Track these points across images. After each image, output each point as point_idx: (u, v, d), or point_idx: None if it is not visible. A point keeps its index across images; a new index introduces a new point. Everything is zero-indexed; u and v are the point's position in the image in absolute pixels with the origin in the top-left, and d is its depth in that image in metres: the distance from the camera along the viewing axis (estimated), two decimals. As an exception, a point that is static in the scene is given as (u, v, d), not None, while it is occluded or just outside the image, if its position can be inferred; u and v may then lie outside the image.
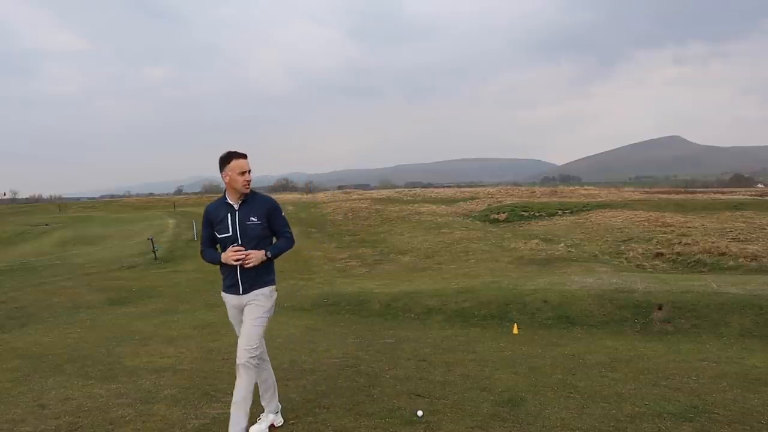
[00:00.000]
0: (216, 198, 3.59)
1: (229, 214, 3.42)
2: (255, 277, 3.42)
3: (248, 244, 3.38)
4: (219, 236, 3.45)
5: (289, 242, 3.58)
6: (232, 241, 3.40)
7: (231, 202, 3.44)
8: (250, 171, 3.40)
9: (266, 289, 3.47)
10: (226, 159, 3.35)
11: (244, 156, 3.38)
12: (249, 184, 3.40)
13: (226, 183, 3.41)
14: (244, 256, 3.33)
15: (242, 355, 3.32)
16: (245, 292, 3.42)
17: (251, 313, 3.41)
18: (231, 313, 3.56)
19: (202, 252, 3.56)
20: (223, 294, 3.54)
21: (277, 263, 3.65)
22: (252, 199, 3.47)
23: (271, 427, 3.60)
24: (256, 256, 3.36)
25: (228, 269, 3.43)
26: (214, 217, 3.48)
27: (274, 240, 3.57)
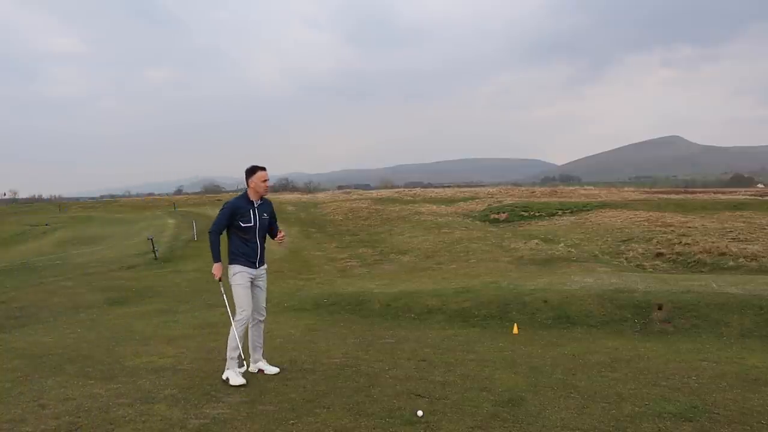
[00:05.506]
0: (237, 195, 4.77)
1: (251, 210, 4.62)
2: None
3: (260, 232, 4.68)
4: (243, 225, 4.57)
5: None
6: (252, 229, 4.60)
7: (253, 200, 4.65)
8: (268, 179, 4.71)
9: (265, 264, 4.85)
10: (252, 171, 4.62)
11: (265, 168, 4.67)
12: (267, 189, 4.71)
13: (251, 187, 4.63)
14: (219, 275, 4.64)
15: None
16: (259, 266, 4.74)
17: (264, 281, 4.83)
18: (245, 282, 4.64)
19: (211, 233, 4.54)
20: (240, 267, 4.62)
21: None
22: (264, 200, 4.76)
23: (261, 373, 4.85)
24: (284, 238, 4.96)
25: (253, 250, 4.64)
26: (239, 210, 4.59)
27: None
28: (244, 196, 4.65)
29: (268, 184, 4.68)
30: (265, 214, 4.68)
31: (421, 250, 18.26)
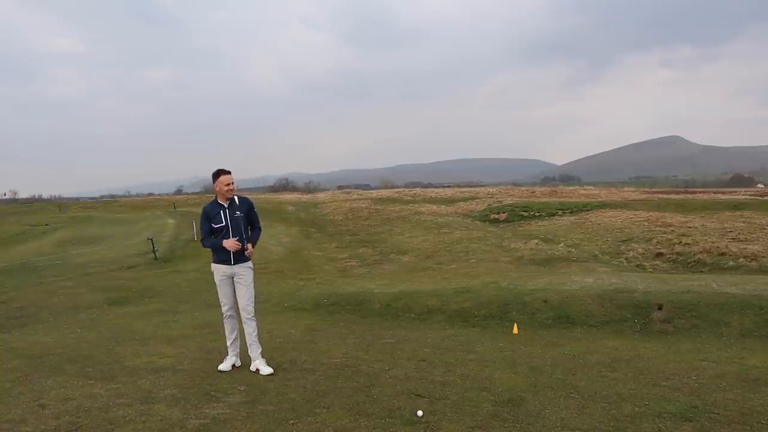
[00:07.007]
0: (210, 200, 5.06)
1: (221, 211, 4.92)
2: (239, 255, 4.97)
3: (234, 230, 4.89)
4: (215, 226, 4.91)
5: (259, 232, 5.22)
6: (224, 229, 4.88)
7: (222, 203, 4.95)
8: (233, 182, 4.92)
9: (249, 262, 5.03)
10: (216, 175, 4.90)
11: (229, 172, 4.92)
12: (232, 192, 4.93)
13: (216, 191, 4.95)
14: (239, 246, 4.84)
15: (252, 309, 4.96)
16: (235, 263, 4.93)
17: (245, 279, 4.96)
18: (219, 278, 5.00)
19: (202, 240, 5.03)
20: (215, 265, 4.99)
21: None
22: (238, 198, 4.99)
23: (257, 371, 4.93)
24: (251, 250, 5.01)
25: (224, 250, 4.87)
26: (209, 214, 4.94)
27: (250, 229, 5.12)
28: (214, 200, 5.01)
29: (233, 187, 4.93)
30: (238, 212, 4.93)
31: (421, 250, 18.26)
